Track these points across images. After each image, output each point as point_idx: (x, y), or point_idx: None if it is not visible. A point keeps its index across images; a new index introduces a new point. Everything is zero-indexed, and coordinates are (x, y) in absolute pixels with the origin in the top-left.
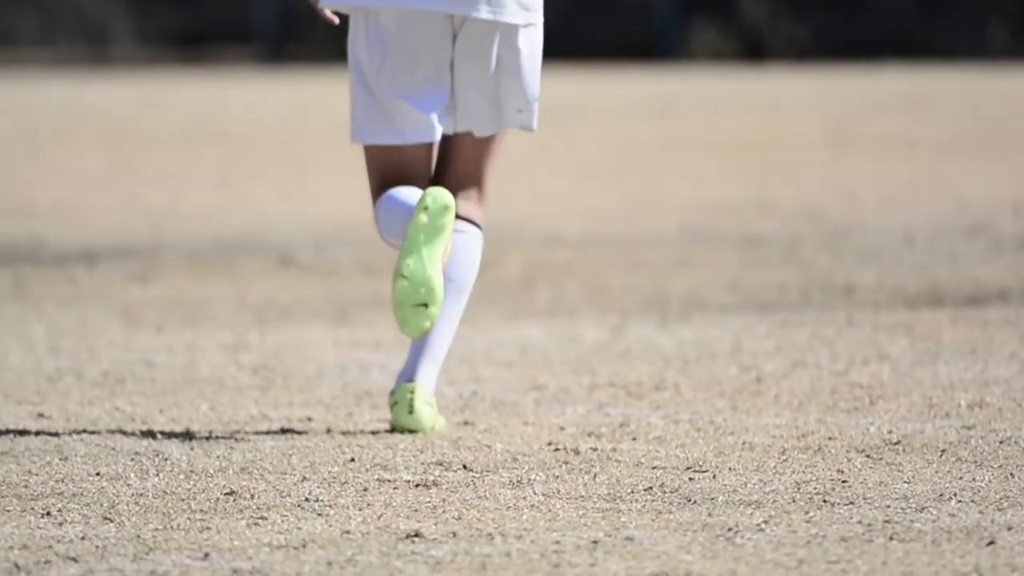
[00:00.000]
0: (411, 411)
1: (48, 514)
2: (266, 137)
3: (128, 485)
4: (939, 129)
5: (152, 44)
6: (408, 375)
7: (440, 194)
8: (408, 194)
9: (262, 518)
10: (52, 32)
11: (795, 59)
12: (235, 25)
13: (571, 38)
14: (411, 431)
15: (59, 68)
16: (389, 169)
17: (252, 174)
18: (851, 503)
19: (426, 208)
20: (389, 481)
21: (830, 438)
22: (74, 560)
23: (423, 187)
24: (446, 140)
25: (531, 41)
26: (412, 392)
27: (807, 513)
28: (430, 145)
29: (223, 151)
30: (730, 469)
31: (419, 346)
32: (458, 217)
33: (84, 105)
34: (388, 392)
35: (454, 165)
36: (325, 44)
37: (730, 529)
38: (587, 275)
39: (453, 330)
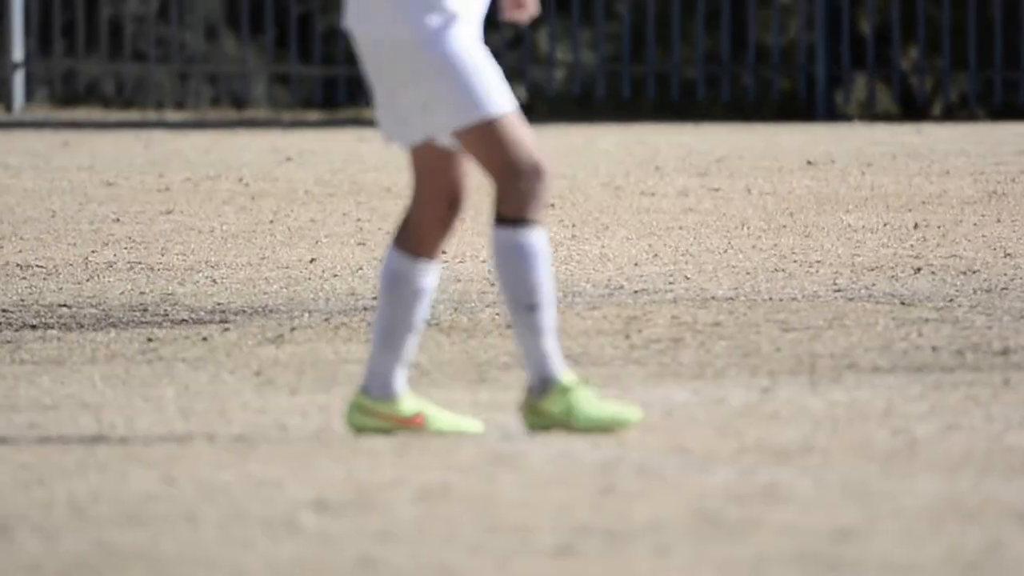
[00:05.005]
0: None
1: None
2: (404, 192)
3: (258, 553)
4: None
5: (288, 97)
6: None
7: (526, 413)
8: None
9: None
10: (186, 87)
11: (953, 115)
12: None
13: (723, 93)
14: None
15: (193, 123)
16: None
17: (389, 231)
18: (1006, 571)
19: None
20: (527, 549)
21: (985, 504)
22: None
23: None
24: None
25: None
26: None
27: None
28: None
29: (360, 207)
30: (880, 536)
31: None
32: (496, 222)
33: (218, 160)
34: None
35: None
36: None
37: None
38: (736, 335)
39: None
